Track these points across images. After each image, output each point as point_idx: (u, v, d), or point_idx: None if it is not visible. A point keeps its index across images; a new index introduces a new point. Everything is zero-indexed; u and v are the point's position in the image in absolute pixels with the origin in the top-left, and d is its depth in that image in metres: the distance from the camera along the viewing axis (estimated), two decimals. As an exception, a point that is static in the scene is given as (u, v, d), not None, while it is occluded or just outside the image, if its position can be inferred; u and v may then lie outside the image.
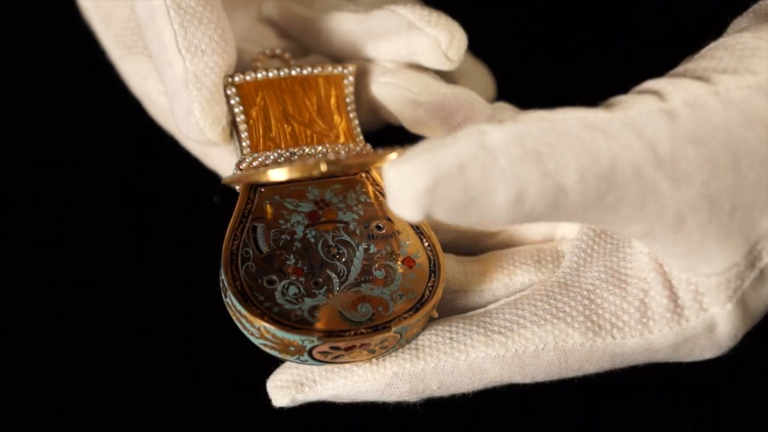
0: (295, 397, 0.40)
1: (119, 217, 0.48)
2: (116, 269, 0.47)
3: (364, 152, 0.43)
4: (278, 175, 0.39)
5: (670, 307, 0.39)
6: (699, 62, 0.38)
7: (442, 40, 0.43)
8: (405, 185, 0.33)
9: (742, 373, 0.44)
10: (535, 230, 0.44)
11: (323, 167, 0.38)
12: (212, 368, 0.44)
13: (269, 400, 0.40)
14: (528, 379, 0.40)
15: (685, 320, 0.39)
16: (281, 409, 0.41)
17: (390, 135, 0.46)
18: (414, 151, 0.33)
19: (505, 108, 0.44)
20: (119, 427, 0.43)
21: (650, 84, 0.37)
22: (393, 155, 0.38)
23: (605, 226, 0.38)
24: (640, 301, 0.39)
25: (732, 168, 0.36)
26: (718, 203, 0.36)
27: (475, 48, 0.48)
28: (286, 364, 0.40)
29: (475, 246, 0.44)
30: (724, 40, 0.38)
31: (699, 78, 0.37)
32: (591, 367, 0.40)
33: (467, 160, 0.33)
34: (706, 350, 0.40)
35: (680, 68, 0.38)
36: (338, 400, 0.40)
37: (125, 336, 0.45)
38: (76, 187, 0.49)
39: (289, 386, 0.40)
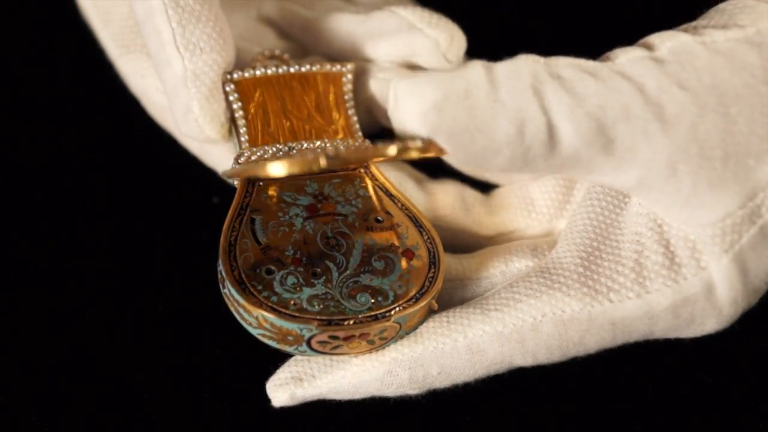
0: (294, 393, 0.40)
1: (118, 217, 0.48)
2: (115, 269, 0.47)
3: (364, 147, 0.43)
4: (277, 169, 0.39)
5: (666, 264, 0.39)
6: (692, 23, 0.40)
7: (442, 42, 0.44)
8: (414, 95, 0.35)
9: (742, 373, 0.44)
10: (533, 231, 0.44)
11: (323, 162, 0.38)
12: (212, 368, 0.44)
13: (269, 401, 0.40)
14: (529, 359, 0.40)
15: (682, 278, 0.39)
16: (282, 409, 0.40)
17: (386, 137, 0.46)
18: (424, 74, 0.36)
19: None
20: (119, 427, 0.43)
21: (641, 40, 0.39)
22: (392, 149, 0.38)
23: (600, 177, 0.38)
24: (635, 261, 0.39)
25: (720, 112, 0.37)
26: (709, 148, 0.37)
27: (474, 49, 0.48)
28: (285, 364, 0.40)
29: (474, 246, 0.44)
30: (720, 5, 0.40)
31: (687, 32, 0.39)
32: (591, 339, 0.39)
33: (473, 87, 0.36)
34: (707, 317, 0.39)
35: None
36: (338, 396, 0.40)
37: (125, 336, 0.45)
38: (75, 186, 0.49)
39: (287, 383, 0.40)
